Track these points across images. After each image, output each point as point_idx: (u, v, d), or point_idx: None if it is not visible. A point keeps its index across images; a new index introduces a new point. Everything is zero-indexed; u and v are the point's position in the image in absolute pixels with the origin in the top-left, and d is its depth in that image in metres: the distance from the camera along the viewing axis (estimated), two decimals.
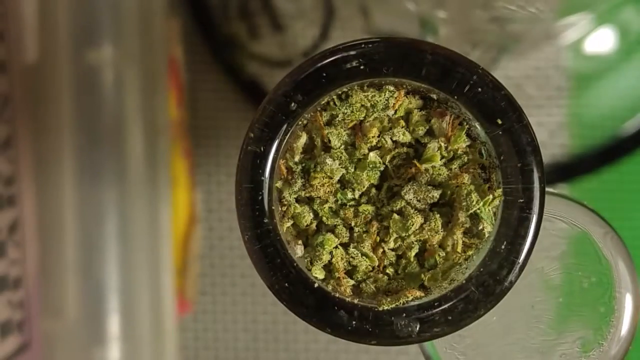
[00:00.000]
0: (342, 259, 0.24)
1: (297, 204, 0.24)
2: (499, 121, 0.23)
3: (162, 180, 0.41)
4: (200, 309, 0.46)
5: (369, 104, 0.24)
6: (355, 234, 0.24)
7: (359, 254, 0.24)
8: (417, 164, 0.24)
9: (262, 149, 0.24)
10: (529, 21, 0.40)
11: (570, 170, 0.43)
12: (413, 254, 0.24)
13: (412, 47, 0.23)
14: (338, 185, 0.24)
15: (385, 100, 0.24)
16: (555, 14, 0.39)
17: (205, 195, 0.46)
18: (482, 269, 0.24)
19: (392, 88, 0.24)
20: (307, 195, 0.24)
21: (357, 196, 0.24)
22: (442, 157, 0.24)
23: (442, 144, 0.24)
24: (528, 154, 0.23)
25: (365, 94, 0.24)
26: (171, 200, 0.42)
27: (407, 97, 0.24)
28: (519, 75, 0.43)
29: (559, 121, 0.43)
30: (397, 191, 0.24)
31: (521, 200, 0.23)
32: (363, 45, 0.23)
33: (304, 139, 0.24)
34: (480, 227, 0.24)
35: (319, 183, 0.24)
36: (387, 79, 0.24)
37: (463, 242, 0.24)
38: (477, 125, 0.24)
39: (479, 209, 0.24)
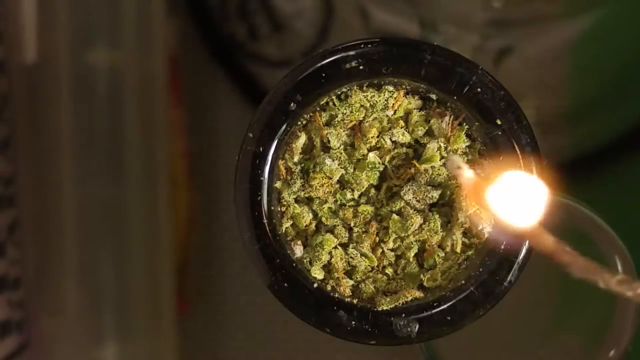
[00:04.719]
0: (341, 259, 0.24)
1: (296, 204, 0.24)
2: (499, 121, 0.23)
3: (161, 180, 0.41)
4: (198, 308, 0.46)
5: (368, 104, 0.24)
6: (354, 234, 0.24)
7: (358, 254, 0.24)
8: (417, 165, 0.24)
9: (261, 149, 0.24)
10: (528, 21, 0.40)
11: (569, 170, 0.43)
12: (412, 254, 0.24)
13: (412, 47, 0.23)
14: (337, 186, 0.24)
15: (385, 100, 0.24)
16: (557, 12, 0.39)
17: (204, 195, 0.46)
18: (481, 269, 0.24)
19: (391, 88, 0.24)
20: (307, 195, 0.24)
21: (356, 196, 0.24)
22: (442, 157, 0.24)
23: (442, 144, 0.24)
24: (527, 154, 0.23)
25: (365, 94, 0.24)
26: (170, 201, 0.42)
27: (406, 97, 0.24)
28: (518, 70, 0.43)
29: (558, 119, 0.43)
30: (396, 191, 0.24)
31: None
32: (362, 46, 0.23)
33: (303, 139, 0.24)
34: (480, 227, 0.24)
35: (318, 183, 0.24)
36: (386, 79, 0.24)
37: (462, 242, 0.24)
38: (476, 125, 0.24)
39: (478, 209, 0.24)
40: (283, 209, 0.24)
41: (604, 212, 0.28)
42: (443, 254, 0.24)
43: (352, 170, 0.24)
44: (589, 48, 0.43)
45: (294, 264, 0.24)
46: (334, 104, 0.24)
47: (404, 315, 0.24)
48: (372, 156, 0.24)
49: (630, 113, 0.43)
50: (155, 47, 0.41)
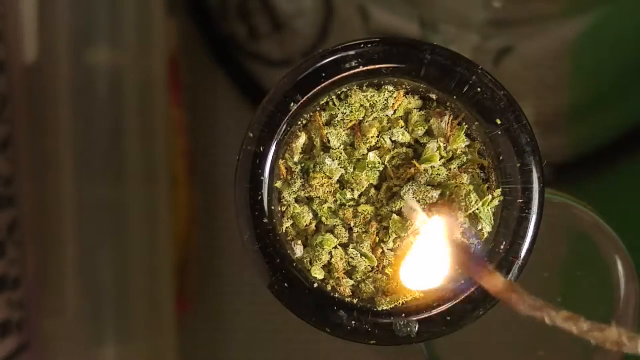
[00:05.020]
0: (341, 259, 0.24)
1: (296, 204, 0.24)
2: (498, 121, 0.23)
3: (161, 180, 0.41)
4: (198, 308, 0.46)
5: (368, 104, 0.24)
6: (354, 235, 0.24)
7: (359, 255, 0.24)
8: (417, 165, 0.24)
9: (261, 149, 0.24)
10: (528, 21, 0.40)
11: (569, 170, 0.43)
12: None
13: (412, 47, 0.23)
14: (337, 186, 0.24)
15: (385, 100, 0.24)
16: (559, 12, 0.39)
17: (204, 195, 0.46)
18: None
19: (391, 88, 0.24)
20: (307, 195, 0.24)
21: (356, 196, 0.24)
22: (442, 157, 0.24)
23: (442, 144, 0.24)
24: (527, 154, 0.23)
25: (365, 94, 0.24)
26: (170, 200, 0.42)
27: (406, 97, 0.24)
28: (518, 70, 0.43)
29: (558, 119, 0.43)
30: (396, 192, 0.24)
31: (520, 201, 0.23)
32: (362, 46, 0.23)
33: (303, 139, 0.24)
34: (480, 228, 0.24)
35: (318, 183, 0.24)
36: (386, 79, 0.24)
37: None
38: (476, 125, 0.24)
39: (478, 209, 0.24)
40: (283, 209, 0.24)
41: (604, 212, 0.28)
42: None
43: (352, 170, 0.24)
44: (589, 48, 0.43)
45: (294, 264, 0.24)
46: (334, 104, 0.24)
47: (404, 315, 0.24)
48: (372, 156, 0.24)
49: (630, 113, 0.43)
50: (155, 47, 0.41)
